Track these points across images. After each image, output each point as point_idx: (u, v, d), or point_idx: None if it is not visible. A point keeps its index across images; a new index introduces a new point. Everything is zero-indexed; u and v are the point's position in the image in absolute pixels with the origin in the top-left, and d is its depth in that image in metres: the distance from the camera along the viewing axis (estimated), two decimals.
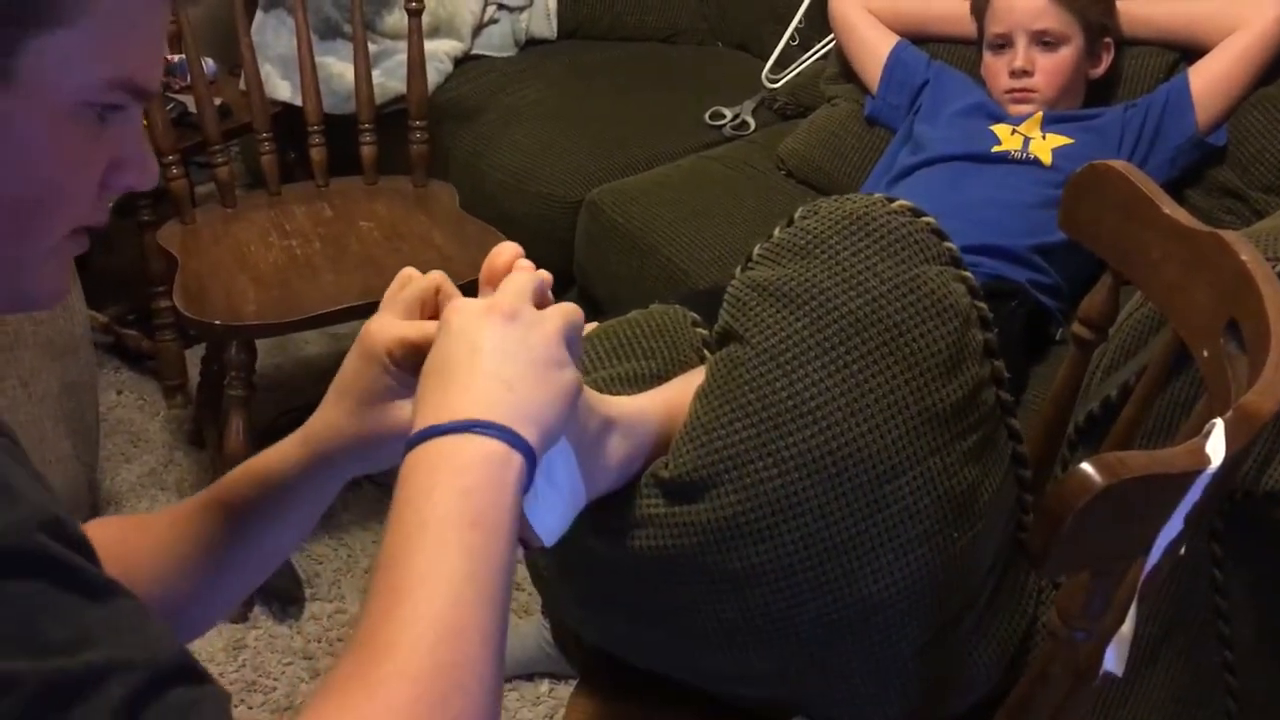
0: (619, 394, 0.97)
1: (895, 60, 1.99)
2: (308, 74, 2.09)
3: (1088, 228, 1.13)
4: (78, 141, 0.63)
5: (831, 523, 0.90)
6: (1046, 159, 1.73)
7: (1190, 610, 1.26)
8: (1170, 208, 1.02)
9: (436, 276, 0.82)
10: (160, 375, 2.39)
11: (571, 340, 0.75)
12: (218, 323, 1.81)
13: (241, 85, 2.23)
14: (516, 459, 0.67)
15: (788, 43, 2.36)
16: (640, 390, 0.99)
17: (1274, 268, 0.92)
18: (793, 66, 2.34)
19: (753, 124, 2.31)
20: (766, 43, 2.43)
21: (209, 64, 2.39)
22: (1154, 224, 1.03)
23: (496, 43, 2.58)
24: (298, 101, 2.22)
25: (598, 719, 1.11)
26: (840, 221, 0.95)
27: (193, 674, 0.57)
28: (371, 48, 2.27)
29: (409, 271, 0.83)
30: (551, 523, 0.87)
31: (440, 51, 2.47)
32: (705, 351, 1.01)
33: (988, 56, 1.86)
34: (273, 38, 2.46)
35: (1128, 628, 0.89)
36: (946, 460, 0.92)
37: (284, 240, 1.99)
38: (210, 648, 1.85)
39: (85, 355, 1.96)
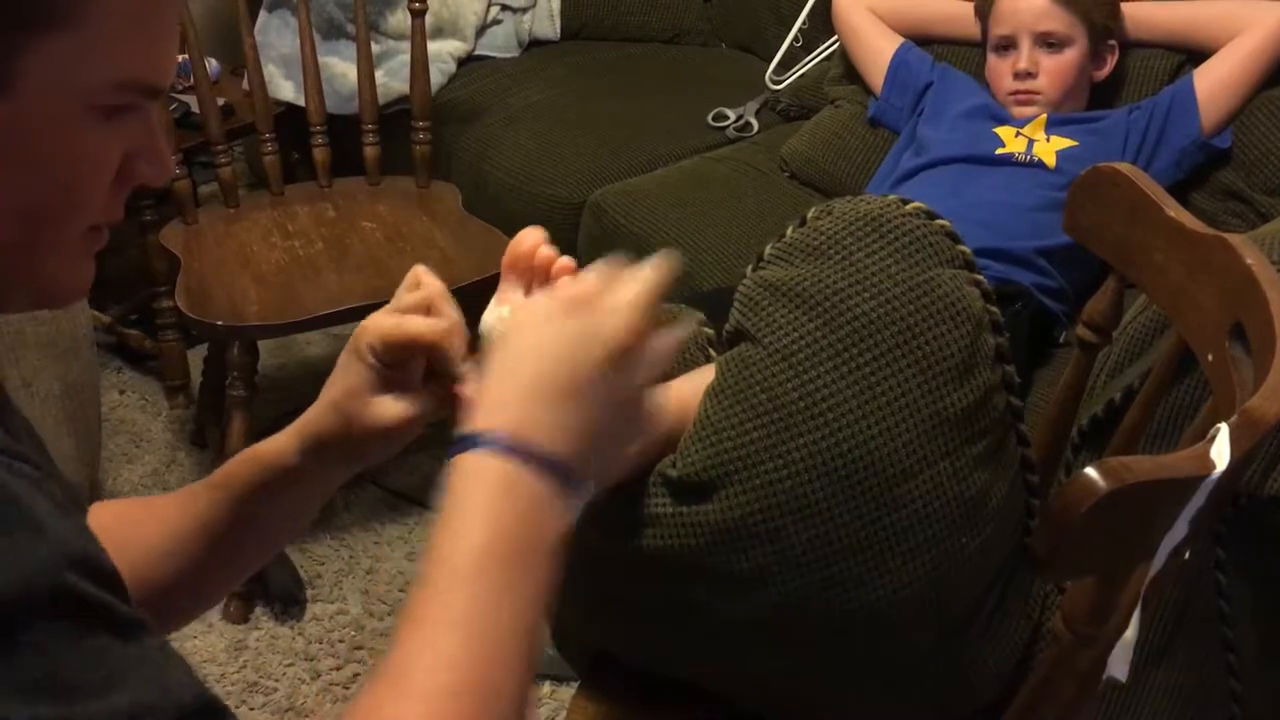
0: None
1: (899, 62, 1.99)
2: (311, 74, 2.09)
3: (1092, 231, 1.13)
4: (89, 144, 0.62)
5: (840, 525, 0.90)
6: (1050, 161, 1.72)
7: (1194, 614, 1.26)
8: (1175, 210, 1.02)
9: (433, 293, 0.80)
10: (162, 375, 2.39)
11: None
12: (220, 323, 1.81)
13: (244, 85, 2.23)
14: (568, 496, 0.65)
15: (791, 44, 2.36)
16: None
17: (1279, 271, 0.92)
18: (796, 68, 2.34)
19: (756, 125, 2.31)
20: (770, 44, 2.43)
21: (212, 64, 2.39)
22: (1158, 227, 1.02)
23: (500, 43, 2.58)
24: (301, 101, 2.22)
25: None
26: (855, 223, 0.95)
27: (215, 711, 0.57)
28: (375, 48, 2.27)
29: (419, 273, 0.82)
30: None
31: (443, 52, 2.46)
32: (711, 350, 1.01)
33: (991, 58, 1.85)
34: (276, 38, 2.46)
35: (1131, 633, 0.89)
36: (957, 464, 0.92)
37: (286, 241, 1.99)
38: (211, 649, 1.85)
39: (87, 355, 1.95)
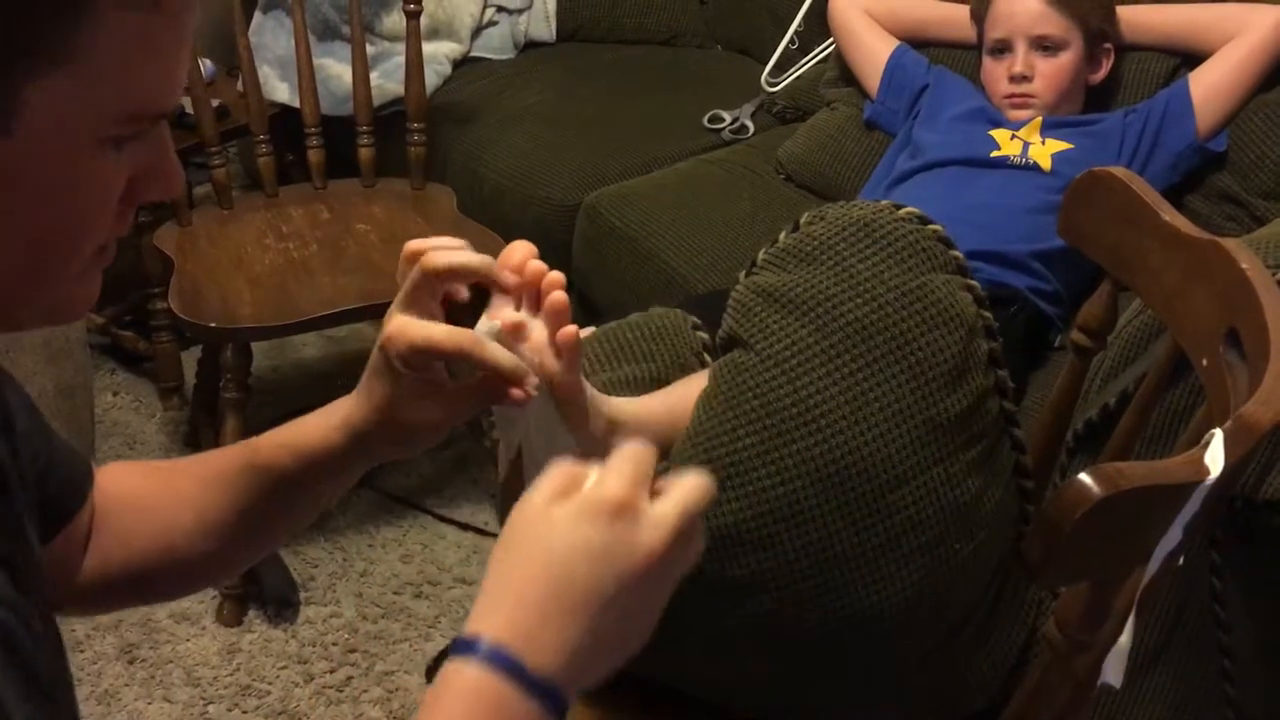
0: (618, 397, 0.97)
1: (895, 64, 1.99)
2: (306, 75, 2.09)
3: (1087, 234, 1.13)
4: (97, 174, 0.61)
5: (834, 532, 0.89)
6: (1046, 164, 1.72)
7: (1189, 619, 1.25)
8: (1170, 215, 1.01)
9: (424, 262, 0.78)
10: (156, 377, 2.38)
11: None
12: (214, 325, 1.80)
13: (239, 86, 2.22)
14: (552, 717, 0.59)
15: (787, 46, 2.36)
16: (639, 393, 0.99)
17: (1274, 276, 0.92)
18: (792, 70, 2.34)
19: (752, 128, 2.31)
20: (766, 46, 2.43)
21: (207, 65, 2.39)
22: (1154, 231, 1.02)
23: (495, 45, 2.58)
24: (295, 103, 2.21)
25: None
26: (847, 228, 0.95)
27: None
28: (370, 49, 2.26)
29: (412, 248, 0.79)
30: None
31: (439, 54, 2.46)
32: (705, 355, 1.01)
33: (987, 61, 1.85)
34: (271, 39, 2.45)
35: (1126, 639, 0.88)
36: (950, 470, 0.92)
37: (281, 242, 1.99)
38: (204, 651, 1.85)
39: (81, 357, 1.95)
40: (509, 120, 2.33)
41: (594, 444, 0.85)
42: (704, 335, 1.03)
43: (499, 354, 0.76)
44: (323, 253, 1.96)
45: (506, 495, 0.88)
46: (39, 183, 0.59)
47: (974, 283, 0.97)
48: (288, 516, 0.87)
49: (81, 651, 1.85)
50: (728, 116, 2.32)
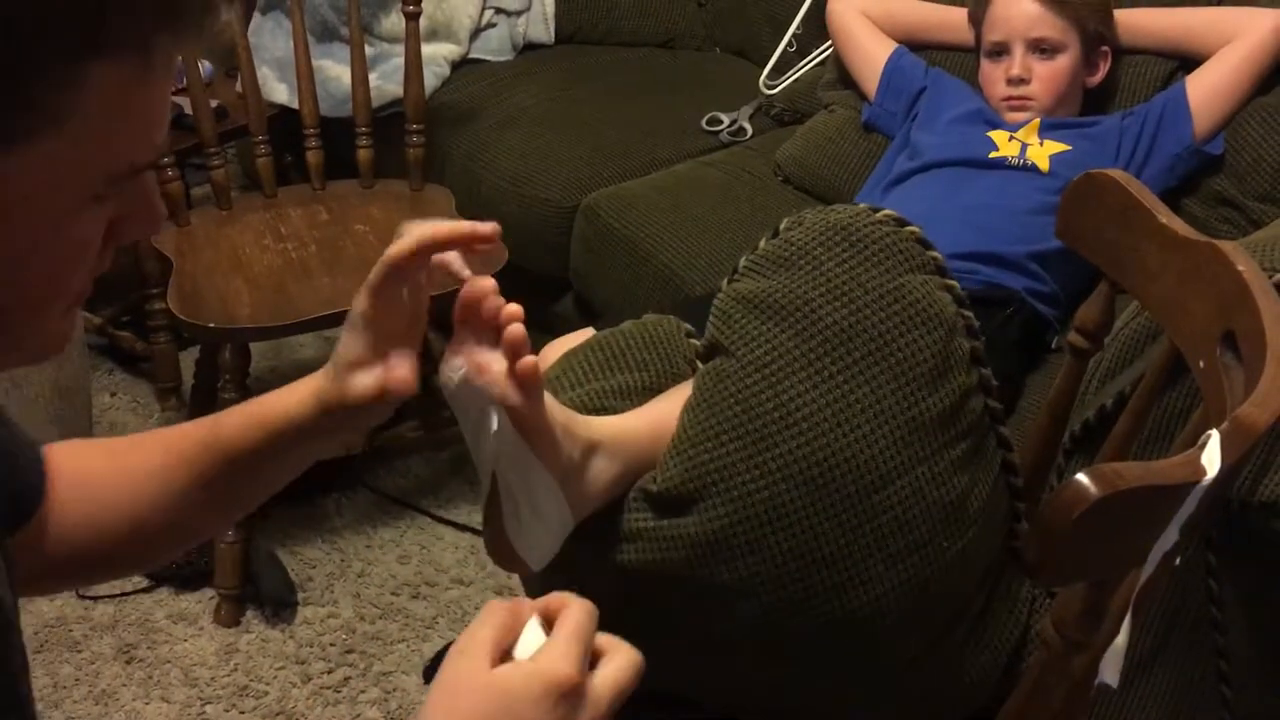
0: (611, 407, 0.97)
1: (893, 67, 1.99)
2: (304, 77, 2.09)
3: (1084, 236, 1.13)
4: (78, 229, 0.60)
5: (820, 533, 0.90)
6: (1044, 165, 1.73)
7: (1185, 620, 1.26)
8: (1167, 217, 1.02)
9: (405, 244, 0.81)
10: (154, 378, 2.38)
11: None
12: (212, 325, 1.80)
13: (238, 87, 2.22)
14: None
15: (785, 49, 2.36)
16: (632, 403, 0.99)
17: (1271, 279, 0.92)
18: (790, 72, 2.34)
19: (750, 130, 2.31)
20: (764, 49, 2.43)
21: (205, 66, 2.39)
22: (1151, 233, 1.02)
23: (494, 47, 2.58)
24: (294, 104, 2.22)
25: None
26: (824, 232, 0.95)
27: None
28: (369, 51, 2.26)
29: (387, 255, 0.82)
30: (540, 551, 0.87)
31: (438, 55, 2.46)
32: (699, 363, 1.01)
33: (985, 64, 1.86)
34: (270, 40, 2.45)
35: (1122, 639, 0.89)
36: (935, 469, 0.92)
37: (279, 243, 1.99)
38: (202, 652, 1.85)
39: (79, 358, 1.95)
40: (507, 122, 2.33)
41: (567, 472, 0.86)
42: (697, 343, 1.04)
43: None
44: (321, 253, 1.96)
45: (487, 523, 0.89)
46: (19, 244, 0.58)
47: (953, 282, 0.97)
48: (250, 488, 0.89)
49: (79, 651, 1.85)
50: (726, 119, 2.32)
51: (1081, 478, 0.72)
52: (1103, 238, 1.10)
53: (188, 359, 2.33)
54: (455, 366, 0.80)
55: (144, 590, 1.95)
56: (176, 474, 0.85)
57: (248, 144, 2.15)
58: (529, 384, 0.80)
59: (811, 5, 2.31)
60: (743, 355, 0.92)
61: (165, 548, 0.91)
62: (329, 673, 1.82)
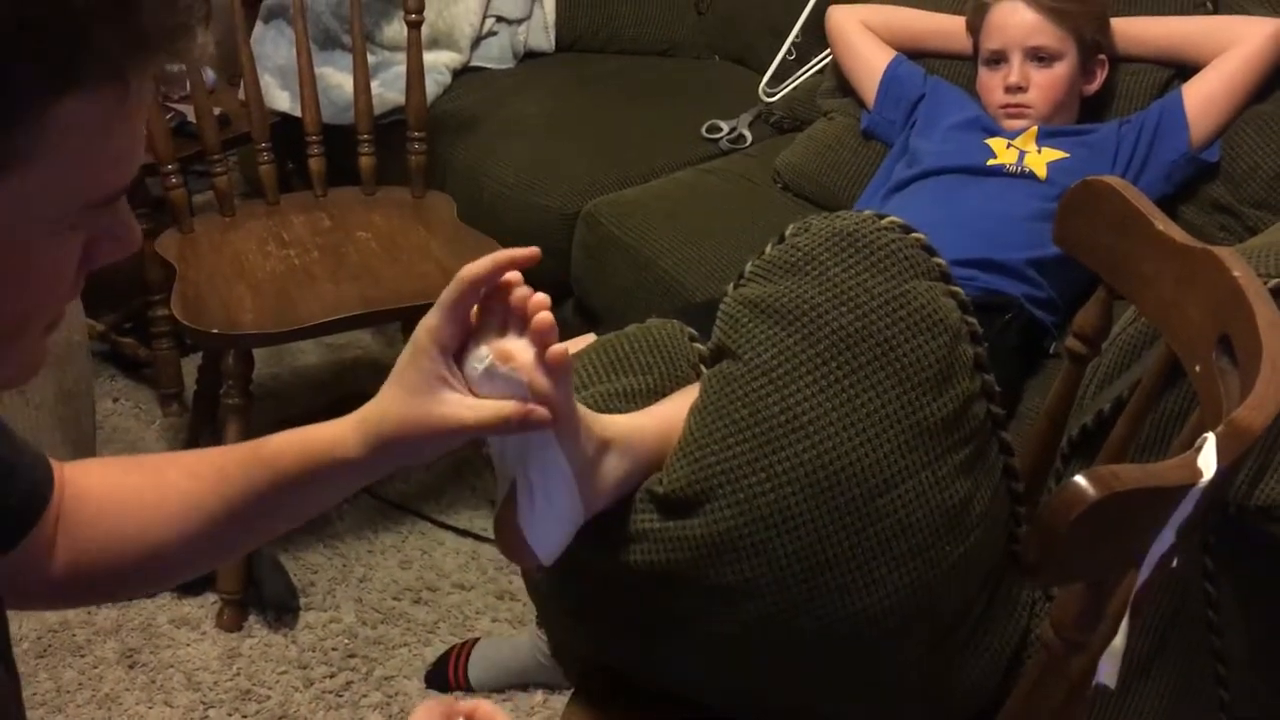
0: (615, 409, 0.98)
1: (891, 75, 2.00)
2: (307, 84, 2.10)
3: (1082, 243, 1.14)
4: (52, 257, 0.60)
5: (825, 536, 0.90)
6: (1041, 173, 1.74)
7: (1183, 623, 1.26)
8: (1164, 224, 1.03)
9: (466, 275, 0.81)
10: (156, 384, 2.39)
11: None
12: (215, 331, 1.81)
13: (241, 95, 2.24)
14: None
15: (784, 57, 2.37)
16: (636, 406, 0.99)
17: (1266, 284, 0.93)
18: (789, 80, 2.36)
19: (749, 137, 2.32)
20: (763, 57, 2.44)
21: (208, 74, 2.40)
22: (1148, 240, 1.03)
23: (495, 55, 2.59)
24: (296, 112, 2.23)
25: None
26: (831, 238, 0.96)
27: None
28: (370, 59, 2.28)
29: (466, 272, 0.81)
30: (550, 543, 0.88)
31: (439, 63, 2.47)
32: (702, 367, 1.02)
33: (983, 72, 1.87)
34: (272, 48, 2.47)
35: (1120, 640, 0.90)
36: (938, 473, 0.93)
37: (282, 250, 2.00)
38: (204, 656, 1.86)
39: (83, 363, 1.96)
40: (508, 129, 2.34)
41: (582, 466, 0.86)
42: (701, 347, 1.04)
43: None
44: (324, 260, 1.97)
45: (501, 524, 0.89)
46: None
47: (957, 289, 0.98)
48: (287, 522, 0.88)
49: (82, 656, 1.85)
50: (725, 126, 2.34)
51: (1079, 479, 0.73)
52: (1100, 244, 1.11)
53: (189, 365, 2.35)
54: (481, 355, 0.80)
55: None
56: (205, 490, 0.84)
57: (250, 151, 2.17)
58: (558, 371, 0.80)
59: (810, 13, 2.32)
60: (749, 359, 0.93)
61: (176, 568, 0.89)
62: (331, 677, 1.83)
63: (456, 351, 0.81)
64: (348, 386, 2.44)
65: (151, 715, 1.77)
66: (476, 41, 2.57)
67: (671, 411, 0.97)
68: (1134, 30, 1.87)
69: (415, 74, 2.12)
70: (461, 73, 2.54)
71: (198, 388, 2.21)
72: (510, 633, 1.90)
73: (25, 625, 1.89)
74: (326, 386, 2.45)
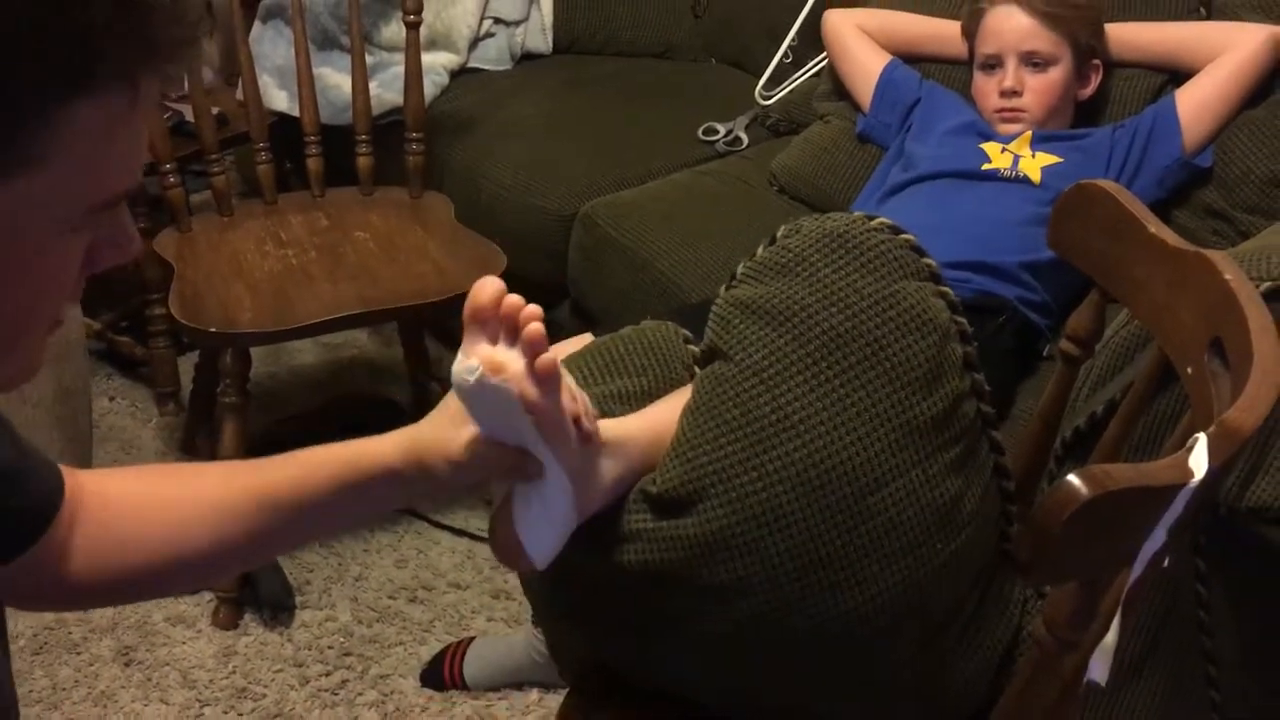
0: (610, 411, 0.98)
1: (887, 79, 2.01)
2: (305, 85, 2.10)
3: (1076, 246, 1.15)
4: (56, 259, 0.61)
5: (816, 535, 0.91)
6: (1036, 177, 1.75)
7: (1174, 624, 1.27)
8: (1157, 228, 1.04)
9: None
10: (152, 382, 2.40)
11: None
12: (213, 330, 1.82)
13: (239, 95, 2.24)
14: None
15: (781, 60, 2.38)
16: (631, 407, 1.00)
17: (1257, 287, 0.94)
18: (786, 83, 2.37)
19: (746, 140, 2.33)
20: (760, 59, 2.45)
21: (206, 73, 2.41)
22: (1141, 243, 1.04)
23: (493, 56, 2.60)
24: (295, 112, 2.23)
25: None
26: (821, 240, 0.97)
27: None
28: (369, 59, 2.28)
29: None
30: (545, 547, 0.88)
31: (437, 64, 2.48)
32: (696, 368, 1.03)
33: (978, 76, 1.88)
34: (270, 48, 2.47)
35: (1111, 638, 0.91)
36: (929, 472, 0.94)
37: (280, 249, 2.00)
38: (200, 654, 1.86)
39: (80, 361, 1.96)
40: (506, 130, 2.35)
41: (576, 470, 0.87)
42: (695, 349, 1.05)
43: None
44: (321, 260, 1.98)
45: (496, 530, 0.90)
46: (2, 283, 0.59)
47: (947, 289, 0.99)
48: (315, 538, 0.89)
49: (78, 654, 1.86)
50: (722, 129, 2.34)
51: (1072, 478, 0.73)
52: (1093, 248, 1.12)
53: (186, 364, 2.35)
54: (471, 368, 0.81)
55: None
56: (241, 503, 0.85)
57: (248, 151, 2.17)
58: (548, 381, 0.81)
59: (807, 17, 2.34)
60: (741, 360, 0.93)
61: (197, 576, 0.91)
62: (326, 675, 1.83)
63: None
64: (344, 386, 2.44)
65: (147, 713, 1.77)
66: (474, 43, 2.58)
67: (665, 413, 0.97)
68: (1128, 35, 1.88)
69: (413, 75, 2.12)
70: (459, 74, 2.54)
71: (194, 386, 2.21)
72: (506, 631, 1.91)
73: (21, 623, 1.89)
74: (323, 386, 2.45)
